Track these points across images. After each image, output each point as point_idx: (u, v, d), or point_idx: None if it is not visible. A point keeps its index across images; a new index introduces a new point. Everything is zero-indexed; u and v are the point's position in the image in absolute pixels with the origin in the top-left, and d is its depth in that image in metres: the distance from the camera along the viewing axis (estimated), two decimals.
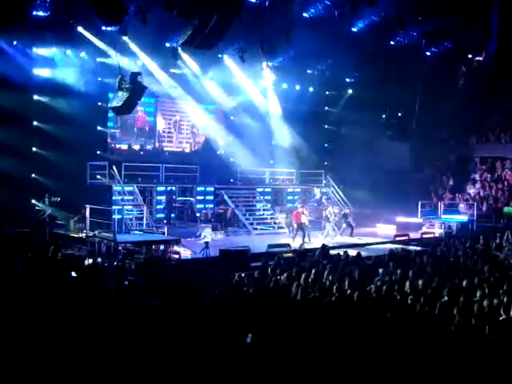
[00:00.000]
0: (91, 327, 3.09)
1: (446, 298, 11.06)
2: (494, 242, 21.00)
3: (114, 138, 29.74)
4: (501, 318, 9.49)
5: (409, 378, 6.77)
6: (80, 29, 24.26)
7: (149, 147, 30.94)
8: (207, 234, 20.44)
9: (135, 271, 17.36)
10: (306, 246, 21.71)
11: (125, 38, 24.47)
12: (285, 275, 13.40)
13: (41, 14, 22.34)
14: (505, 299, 10.63)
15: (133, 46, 25.81)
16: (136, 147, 30.39)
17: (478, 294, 11.39)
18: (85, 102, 25.18)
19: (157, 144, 31.30)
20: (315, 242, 23.28)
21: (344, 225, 26.40)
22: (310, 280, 13.01)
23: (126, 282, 15.07)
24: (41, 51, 25.31)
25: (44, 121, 25.64)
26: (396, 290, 12.04)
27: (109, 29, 23.14)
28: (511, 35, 26.07)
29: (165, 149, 31.56)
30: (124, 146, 29.98)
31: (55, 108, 25.31)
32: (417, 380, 6.80)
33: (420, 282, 12.59)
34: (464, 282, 12.68)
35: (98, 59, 26.35)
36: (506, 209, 31.19)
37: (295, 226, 24.82)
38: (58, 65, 25.78)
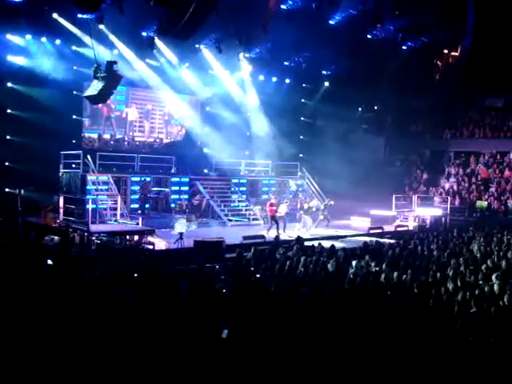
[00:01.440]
0: (66, 316, 3.04)
1: (417, 291, 11.18)
2: (467, 235, 21.28)
3: (84, 126, 29.37)
4: (471, 311, 9.61)
5: (383, 368, 6.84)
6: (55, 15, 23.90)
7: (119, 137, 30.62)
8: (181, 224, 20.21)
9: (108, 261, 17.21)
10: (282, 238, 21.76)
11: (101, 27, 24.13)
12: (262, 267, 13.41)
13: None
14: (476, 292, 10.77)
15: (109, 35, 25.46)
16: (106, 136, 30.07)
17: (451, 287, 11.52)
18: (60, 90, 24.78)
19: (130, 134, 31.02)
20: (291, 233, 23.33)
21: (321, 217, 26.38)
22: (284, 272, 13.05)
23: (98, 273, 14.93)
24: (15, 38, 24.78)
25: (18, 109, 25.22)
26: (370, 282, 12.13)
27: (85, 16, 22.80)
28: (486, 31, 26.36)
29: (136, 138, 31.29)
30: (94, 135, 29.60)
31: (30, 96, 24.86)
32: (391, 371, 6.87)
33: (395, 274, 12.70)
34: (438, 275, 12.82)
35: (74, 47, 25.92)
36: (478, 203, 31.69)
37: (270, 217, 24.79)
38: (32, 52, 25.30)
